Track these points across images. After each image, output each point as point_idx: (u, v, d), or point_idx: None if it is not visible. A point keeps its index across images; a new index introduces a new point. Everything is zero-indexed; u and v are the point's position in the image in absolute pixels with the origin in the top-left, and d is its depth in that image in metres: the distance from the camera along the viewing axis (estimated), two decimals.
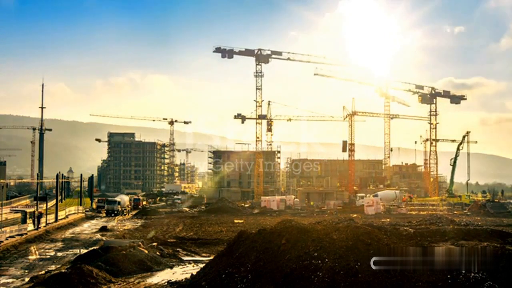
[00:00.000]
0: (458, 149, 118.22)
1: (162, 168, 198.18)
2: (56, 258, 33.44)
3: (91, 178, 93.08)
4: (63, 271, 24.31)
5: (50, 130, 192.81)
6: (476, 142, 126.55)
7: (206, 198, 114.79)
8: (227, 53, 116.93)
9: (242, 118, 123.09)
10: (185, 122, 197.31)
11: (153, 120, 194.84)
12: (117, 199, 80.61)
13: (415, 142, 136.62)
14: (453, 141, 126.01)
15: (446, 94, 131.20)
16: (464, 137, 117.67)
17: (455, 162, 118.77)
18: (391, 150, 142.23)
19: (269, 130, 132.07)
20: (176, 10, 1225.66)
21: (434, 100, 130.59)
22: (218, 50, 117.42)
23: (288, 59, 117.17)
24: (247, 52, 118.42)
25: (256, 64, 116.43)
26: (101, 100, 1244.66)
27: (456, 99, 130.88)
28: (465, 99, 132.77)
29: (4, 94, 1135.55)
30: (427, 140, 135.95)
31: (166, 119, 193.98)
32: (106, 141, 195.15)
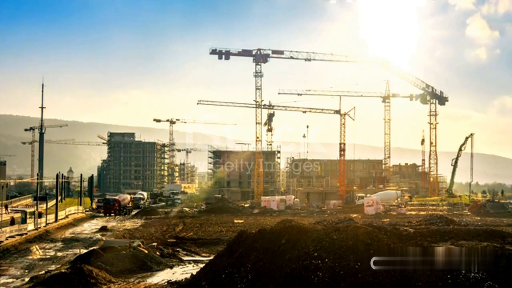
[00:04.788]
0: (460, 149, 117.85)
1: (162, 168, 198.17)
2: (56, 258, 33.43)
3: (91, 178, 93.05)
4: (63, 271, 24.32)
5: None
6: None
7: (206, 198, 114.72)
8: (224, 55, 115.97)
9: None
10: (185, 122, 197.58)
11: (154, 120, 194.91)
12: None
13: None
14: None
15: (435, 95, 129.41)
16: (467, 138, 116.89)
17: (456, 162, 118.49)
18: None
19: (269, 130, 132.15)
20: (176, 10, 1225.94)
21: (434, 100, 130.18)
22: (214, 52, 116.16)
23: (291, 57, 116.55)
24: (245, 53, 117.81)
25: (256, 64, 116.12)
26: (101, 100, 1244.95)
27: (442, 101, 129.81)
28: (447, 100, 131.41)
29: (4, 94, 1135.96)
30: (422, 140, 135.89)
31: (162, 119, 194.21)
32: (105, 142, 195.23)
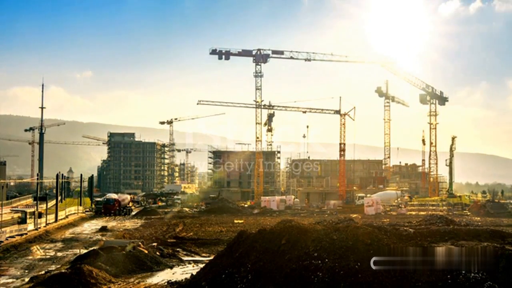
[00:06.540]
0: (451, 149, 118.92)
1: (162, 168, 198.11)
2: (56, 258, 33.40)
3: (91, 178, 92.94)
4: (63, 271, 24.29)
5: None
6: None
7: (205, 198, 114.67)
8: (224, 55, 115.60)
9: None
10: (186, 122, 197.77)
11: (160, 123, 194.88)
12: None
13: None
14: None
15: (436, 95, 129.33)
16: (453, 139, 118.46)
17: (450, 162, 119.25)
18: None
19: (269, 130, 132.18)
20: (175, 10, 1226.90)
21: (434, 100, 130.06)
22: (214, 52, 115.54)
23: (291, 57, 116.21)
24: (245, 53, 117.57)
25: (256, 64, 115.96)
26: (101, 100, 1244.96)
27: (442, 101, 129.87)
28: (447, 100, 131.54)
29: (4, 94, 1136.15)
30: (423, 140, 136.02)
31: (165, 120, 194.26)
32: (105, 142, 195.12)
